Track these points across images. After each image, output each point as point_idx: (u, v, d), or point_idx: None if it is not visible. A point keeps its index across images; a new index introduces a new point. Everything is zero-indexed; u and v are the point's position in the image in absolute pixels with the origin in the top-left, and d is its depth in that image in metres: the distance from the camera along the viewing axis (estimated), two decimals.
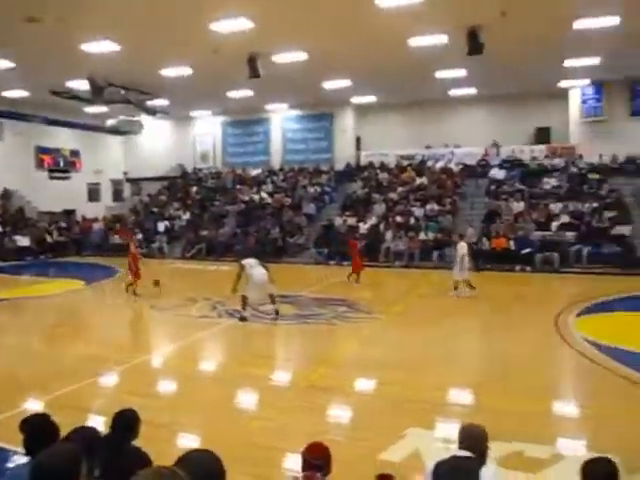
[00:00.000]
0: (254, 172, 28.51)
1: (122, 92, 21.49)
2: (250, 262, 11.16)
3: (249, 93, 23.49)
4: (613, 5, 13.70)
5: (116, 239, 24.95)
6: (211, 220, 25.15)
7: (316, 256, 21.25)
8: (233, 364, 8.63)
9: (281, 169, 28.31)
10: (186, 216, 26.18)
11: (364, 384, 7.53)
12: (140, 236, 24.30)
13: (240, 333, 10.57)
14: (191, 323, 11.24)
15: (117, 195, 32.13)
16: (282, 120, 28.87)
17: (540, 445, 5.28)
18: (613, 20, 14.68)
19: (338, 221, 22.82)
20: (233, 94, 23.78)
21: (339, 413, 6.46)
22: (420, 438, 5.53)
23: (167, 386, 7.63)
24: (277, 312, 11.29)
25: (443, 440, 5.52)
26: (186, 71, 19.44)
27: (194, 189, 28.57)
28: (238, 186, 27.50)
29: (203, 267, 21.26)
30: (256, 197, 26.11)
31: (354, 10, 13.82)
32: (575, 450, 5.30)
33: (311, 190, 25.70)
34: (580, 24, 14.95)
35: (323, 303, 12.69)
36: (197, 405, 6.60)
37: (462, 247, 13.81)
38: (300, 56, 17.68)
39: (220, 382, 7.64)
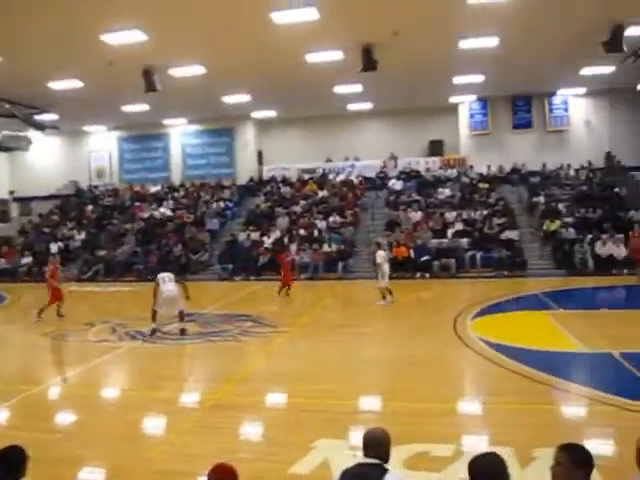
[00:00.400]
0: (153, 188, 27.66)
1: (7, 106, 20.14)
2: (164, 277, 11.30)
3: (145, 107, 22.84)
4: (491, 27, 14.73)
5: (2, 263, 23.21)
6: (109, 239, 24.03)
7: (221, 272, 20.92)
8: (135, 389, 8.24)
9: (182, 185, 27.67)
10: (81, 236, 24.84)
11: (272, 398, 7.47)
12: (30, 259, 22.76)
13: (142, 356, 10.14)
14: (89, 348, 10.64)
15: (3, 216, 29.90)
16: (181, 135, 28.29)
17: (445, 444, 5.48)
18: (492, 41, 15.81)
19: (242, 236, 22.64)
20: (129, 108, 23.02)
21: (247, 430, 6.35)
22: (329, 448, 5.55)
23: (63, 418, 7.12)
24: (183, 331, 11.13)
25: (351, 448, 5.58)
26: (76, 84, 18.55)
27: (89, 207, 27.20)
28: (137, 203, 26.54)
29: (102, 289, 20.24)
30: (156, 214, 25.32)
31: (251, 25, 13.88)
32: (477, 446, 5.55)
33: (213, 205, 25.33)
34: (464, 44, 15.96)
35: (228, 319, 12.49)
36: (96, 435, 6.22)
37: (380, 256, 14.12)
38: (198, 70, 17.47)
39: (121, 409, 7.27)
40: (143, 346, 10.56)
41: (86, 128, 28.20)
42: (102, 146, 29.30)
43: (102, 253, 22.89)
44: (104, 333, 11.75)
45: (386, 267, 14.04)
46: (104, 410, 7.31)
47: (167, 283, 11.20)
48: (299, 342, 10.75)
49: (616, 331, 10.27)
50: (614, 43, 14.56)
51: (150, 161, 28.87)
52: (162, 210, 25.40)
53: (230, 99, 22.28)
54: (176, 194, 26.92)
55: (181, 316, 11.28)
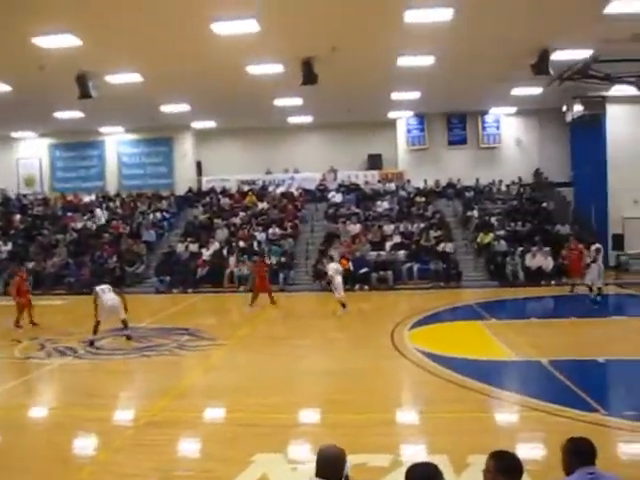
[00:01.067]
0: (87, 198, 26.67)
1: None
2: (103, 288, 11.54)
3: (79, 114, 22.05)
4: (428, 46, 15.20)
5: None
6: (38, 250, 22.95)
7: (157, 285, 20.39)
8: (64, 407, 7.84)
9: (117, 195, 26.86)
10: (8, 247, 23.61)
11: (209, 413, 7.32)
12: None
13: (73, 372, 9.71)
14: (14, 366, 10.11)
15: None
16: (118, 144, 27.47)
17: (382, 454, 5.52)
18: (428, 60, 16.30)
19: (180, 248, 22.18)
20: (61, 115, 22.17)
21: (183, 447, 6.18)
22: (268, 462, 5.50)
23: None
24: (128, 337, 11.48)
25: (290, 461, 5.54)
26: (3, 87, 17.69)
27: (17, 217, 25.91)
28: (69, 213, 25.51)
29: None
30: (90, 225, 24.44)
31: (190, 35, 13.70)
32: (414, 455, 5.61)
33: (150, 216, 24.71)
34: (402, 61, 16.38)
35: (165, 333, 12.17)
36: (22, 458, 5.88)
37: (331, 268, 14.54)
38: (135, 78, 17.06)
39: (49, 429, 6.91)
40: (73, 362, 10.12)
41: (14, 134, 26.94)
42: (32, 153, 27.98)
43: (31, 265, 21.83)
44: (31, 349, 11.17)
45: (339, 279, 14.33)
46: (30, 431, 6.94)
47: (107, 293, 11.46)
48: (238, 355, 10.60)
49: (545, 340, 10.72)
50: (541, 66, 15.32)
51: (84, 170, 27.85)
52: (96, 220, 24.52)
53: (169, 108, 21.88)
54: (111, 204, 26.09)
55: (125, 323, 11.61)
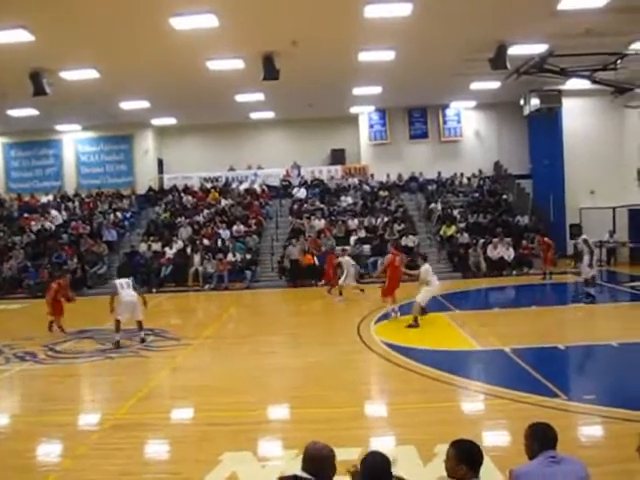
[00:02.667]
0: (44, 198, 25.95)
1: None
2: (122, 282, 11.16)
3: (34, 112, 21.41)
4: (388, 41, 15.30)
5: None
6: None
7: None
8: (25, 414, 7.60)
9: (76, 194, 26.21)
10: None
11: (176, 414, 7.22)
12: None
13: (33, 378, 9.43)
14: None
15: None
16: (75, 142, 26.82)
17: (351, 447, 5.53)
18: (389, 55, 16.42)
19: (142, 247, 21.80)
20: (15, 112, 21.50)
21: (150, 450, 6.09)
22: (237, 461, 5.46)
23: None
24: (143, 340, 11.11)
25: (260, 459, 5.52)
26: None
27: None
28: (26, 214, 24.75)
29: None
30: (48, 226, 23.78)
31: (149, 30, 13.48)
32: (382, 447, 5.66)
33: (111, 216, 24.21)
34: (363, 56, 16.45)
35: (129, 334, 11.94)
36: None
37: (347, 261, 16.15)
38: (91, 74, 16.65)
39: (10, 437, 6.67)
40: (34, 367, 9.84)
41: None
42: None
43: None
44: None
45: (352, 270, 16.15)
46: None
47: (126, 289, 11.01)
48: (204, 354, 10.50)
49: (507, 329, 10.97)
50: (499, 60, 15.61)
51: (40, 169, 27.11)
52: (53, 220, 23.89)
53: (128, 105, 21.45)
54: (70, 204, 25.45)
55: (140, 325, 11.21)
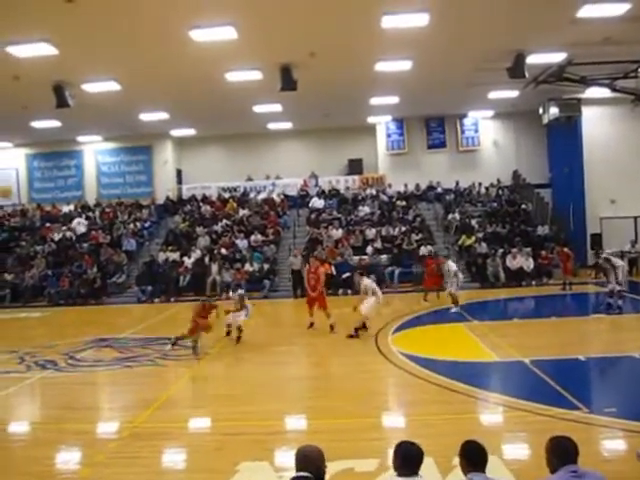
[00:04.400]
0: (66, 208, 26.35)
1: None
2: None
3: (57, 124, 21.83)
4: (405, 51, 15.34)
5: None
6: (16, 263, 22.61)
7: (139, 294, 20.18)
8: (45, 422, 7.69)
9: (97, 204, 26.59)
10: None
11: (193, 423, 7.25)
12: None
13: (53, 386, 9.54)
14: None
15: None
16: (96, 153, 27.22)
17: (368, 459, 5.52)
18: (406, 64, 16.44)
19: (161, 257, 22.00)
20: (38, 124, 21.92)
21: (167, 458, 6.11)
22: (254, 471, 5.47)
23: None
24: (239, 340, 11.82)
25: (276, 469, 5.51)
26: None
27: None
28: (47, 224, 25.16)
29: (8, 316, 18.91)
30: (69, 235, 24.13)
31: (168, 42, 13.67)
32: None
33: (131, 226, 24.49)
34: (380, 67, 16.50)
35: (147, 343, 12.04)
36: (3, 475, 5.76)
37: (451, 266, 15.21)
38: (112, 86, 16.94)
39: (30, 444, 6.77)
40: (54, 375, 9.95)
41: None
42: (8, 164, 27.61)
43: (9, 277, 21.49)
44: (10, 364, 10.94)
45: (460, 275, 15.29)
46: (10, 447, 6.79)
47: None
48: (221, 364, 10.54)
49: (526, 340, 10.83)
50: (517, 69, 15.54)
51: (62, 180, 27.55)
52: (75, 229, 24.22)
53: (147, 117, 21.76)
54: (91, 214, 25.81)
55: (240, 330, 11.97)
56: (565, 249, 18.37)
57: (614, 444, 6.00)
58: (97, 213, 25.80)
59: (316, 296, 13.01)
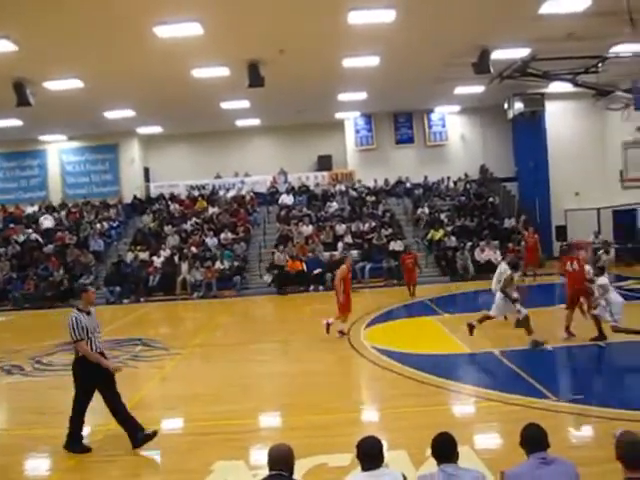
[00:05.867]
0: (30, 209, 25.73)
1: None
2: None
3: (18, 123, 21.25)
4: (373, 47, 15.40)
5: None
6: None
7: (108, 295, 19.84)
8: (12, 428, 7.52)
9: (63, 205, 26.02)
10: None
11: (166, 424, 7.16)
12: None
13: (20, 391, 9.31)
14: None
15: None
16: (60, 152, 26.61)
17: (342, 454, 5.53)
18: (373, 61, 16.52)
19: (130, 257, 21.67)
20: None
21: (141, 460, 6.02)
22: (229, 470, 5.45)
23: None
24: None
25: (252, 467, 5.50)
26: None
27: None
28: (11, 225, 24.53)
29: None
30: (34, 237, 23.55)
31: (132, 38, 13.44)
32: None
33: (98, 226, 24.04)
34: (348, 63, 16.53)
35: (116, 345, 11.84)
36: None
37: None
38: (75, 84, 16.57)
39: None
40: (21, 380, 9.73)
41: None
42: None
43: None
44: None
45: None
46: None
47: None
48: (193, 363, 10.45)
49: (496, 331, 11.00)
50: (482, 65, 15.76)
51: (25, 180, 26.85)
52: (42, 224, 23.69)
53: (113, 114, 21.34)
54: (56, 215, 25.24)
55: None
56: (533, 233, 18.64)
57: (582, 430, 6.17)
58: (63, 213, 25.25)
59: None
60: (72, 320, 6.14)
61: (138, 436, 6.04)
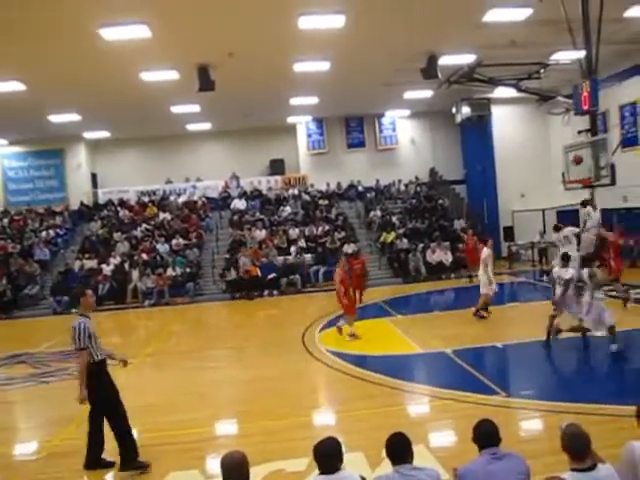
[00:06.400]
0: None
1: None
2: None
3: None
4: (323, 52, 15.49)
5: None
6: None
7: (55, 306, 19.16)
8: None
9: (4, 212, 25.01)
10: None
11: None
12: None
13: None
14: None
15: None
16: (2, 157, 25.60)
17: (299, 459, 5.52)
18: (324, 65, 16.63)
19: (77, 265, 21.02)
20: None
21: (91, 475, 5.84)
22: None
23: None
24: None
25: (207, 477, 5.42)
26: None
27: None
28: None
29: None
30: None
31: (76, 40, 13.07)
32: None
33: (43, 234, 23.22)
34: (299, 67, 16.58)
35: (65, 357, 11.43)
36: None
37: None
38: (15, 86, 15.98)
39: None
40: None
41: None
42: None
43: None
44: None
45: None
46: None
47: None
48: (146, 373, 10.21)
49: (447, 331, 11.24)
50: (430, 70, 16.13)
51: None
52: None
53: (58, 118, 20.69)
54: None
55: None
56: (474, 237, 19.01)
57: (531, 424, 6.37)
58: (5, 221, 24.27)
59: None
60: (78, 327, 5.81)
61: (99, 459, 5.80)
